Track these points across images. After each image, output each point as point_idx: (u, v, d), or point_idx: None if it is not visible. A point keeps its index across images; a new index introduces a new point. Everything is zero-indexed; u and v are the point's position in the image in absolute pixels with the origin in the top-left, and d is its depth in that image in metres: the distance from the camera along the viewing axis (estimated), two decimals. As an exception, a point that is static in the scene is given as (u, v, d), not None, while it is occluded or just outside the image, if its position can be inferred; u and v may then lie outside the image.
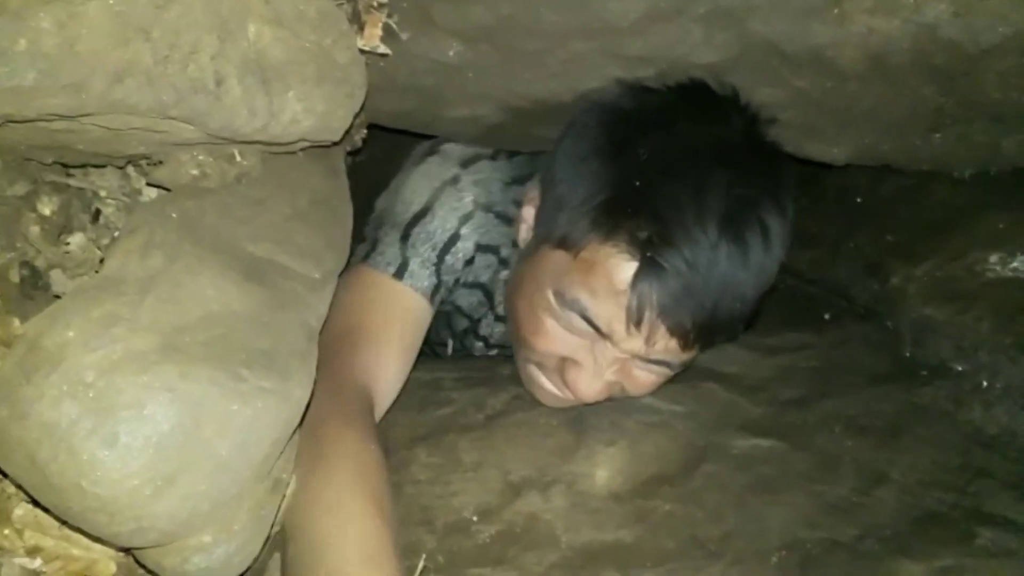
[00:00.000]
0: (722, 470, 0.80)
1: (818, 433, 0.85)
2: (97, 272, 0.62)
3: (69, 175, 0.70)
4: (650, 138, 0.75)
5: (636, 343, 0.75)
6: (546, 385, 0.83)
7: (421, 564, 0.67)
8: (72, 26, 0.51)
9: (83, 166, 0.70)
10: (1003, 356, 0.90)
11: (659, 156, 0.74)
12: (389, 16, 0.73)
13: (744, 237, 0.72)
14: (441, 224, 0.93)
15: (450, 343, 1.16)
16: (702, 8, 0.72)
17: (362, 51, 0.71)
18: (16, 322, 0.60)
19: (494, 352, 1.14)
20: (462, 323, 1.10)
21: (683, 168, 0.73)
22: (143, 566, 0.59)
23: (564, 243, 0.76)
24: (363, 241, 0.94)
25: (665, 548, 0.72)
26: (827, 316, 1.15)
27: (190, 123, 0.59)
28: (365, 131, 0.90)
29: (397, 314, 0.88)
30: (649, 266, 0.71)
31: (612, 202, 0.73)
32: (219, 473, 0.52)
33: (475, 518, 0.74)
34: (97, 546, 0.61)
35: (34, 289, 0.64)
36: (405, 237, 0.92)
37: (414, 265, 0.90)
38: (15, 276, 0.63)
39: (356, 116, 0.71)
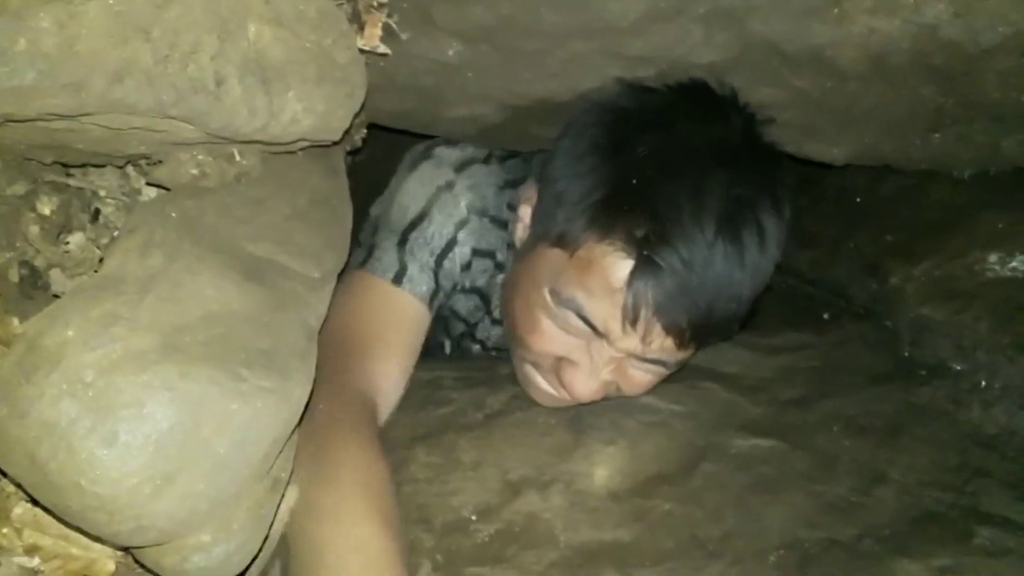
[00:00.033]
0: (722, 470, 0.80)
1: (818, 433, 0.86)
2: (96, 271, 0.62)
3: (69, 175, 0.70)
4: (649, 137, 0.75)
5: (632, 342, 0.75)
6: (542, 385, 0.83)
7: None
8: (72, 26, 0.51)
9: (83, 166, 0.70)
10: (1002, 356, 0.90)
11: (658, 155, 0.74)
12: (389, 16, 0.73)
13: (741, 237, 0.72)
14: (438, 230, 0.93)
15: (447, 345, 1.16)
16: (702, 8, 0.72)
17: (362, 51, 0.71)
18: (15, 321, 0.60)
19: (492, 354, 1.14)
20: (459, 327, 1.10)
21: (682, 167, 0.73)
22: (142, 565, 0.59)
23: (561, 241, 0.76)
24: (358, 247, 0.93)
25: (664, 548, 0.72)
26: (827, 316, 1.15)
27: (190, 123, 0.59)
28: (365, 131, 0.90)
29: (397, 320, 0.87)
30: (646, 264, 0.71)
31: (610, 200, 0.73)
32: (218, 472, 0.52)
33: (474, 517, 0.74)
34: (96, 545, 0.61)
35: (33, 288, 0.64)
36: (403, 243, 0.91)
37: (412, 270, 0.90)
38: (14, 275, 0.63)
39: (356, 116, 0.71)
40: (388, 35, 0.73)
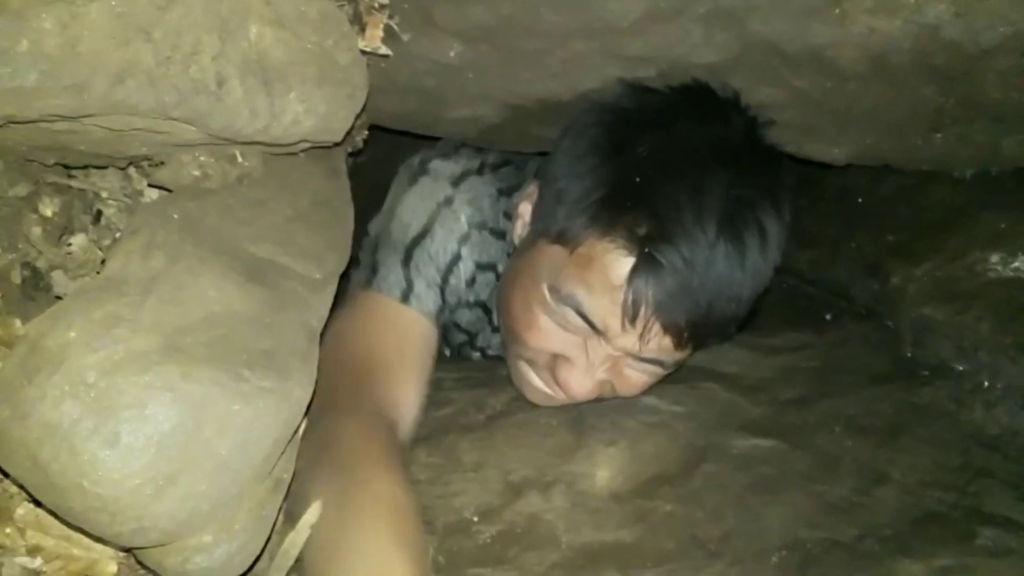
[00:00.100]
0: (722, 470, 0.80)
1: (818, 433, 0.86)
2: (99, 273, 0.63)
3: (71, 176, 0.70)
4: (650, 137, 0.75)
5: (630, 340, 0.75)
6: (536, 383, 0.83)
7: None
8: (74, 27, 0.51)
9: (85, 167, 0.70)
10: (1003, 356, 0.90)
11: (659, 155, 0.74)
12: (390, 17, 0.73)
13: (742, 238, 0.73)
14: (442, 245, 0.92)
15: (447, 353, 1.16)
16: (702, 8, 0.72)
17: (363, 52, 0.71)
18: (18, 323, 0.60)
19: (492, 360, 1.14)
20: (460, 337, 1.10)
21: (683, 167, 0.73)
22: (144, 566, 0.59)
23: (561, 238, 0.76)
24: (359, 267, 0.92)
25: (665, 548, 0.72)
26: (827, 316, 1.15)
27: (192, 124, 0.59)
28: (366, 132, 0.90)
29: (409, 341, 0.86)
30: (646, 262, 0.71)
31: (611, 198, 0.74)
32: (220, 473, 0.52)
33: (476, 518, 0.74)
34: (98, 546, 0.61)
35: (35, 290, 0.64)
36: (407, 260, 0.90)
37: (419, 287, 0.89)
38: (17, 277, 0.63)
39: (357, 117, 0.71)
40: (389, 36, 0.73)
